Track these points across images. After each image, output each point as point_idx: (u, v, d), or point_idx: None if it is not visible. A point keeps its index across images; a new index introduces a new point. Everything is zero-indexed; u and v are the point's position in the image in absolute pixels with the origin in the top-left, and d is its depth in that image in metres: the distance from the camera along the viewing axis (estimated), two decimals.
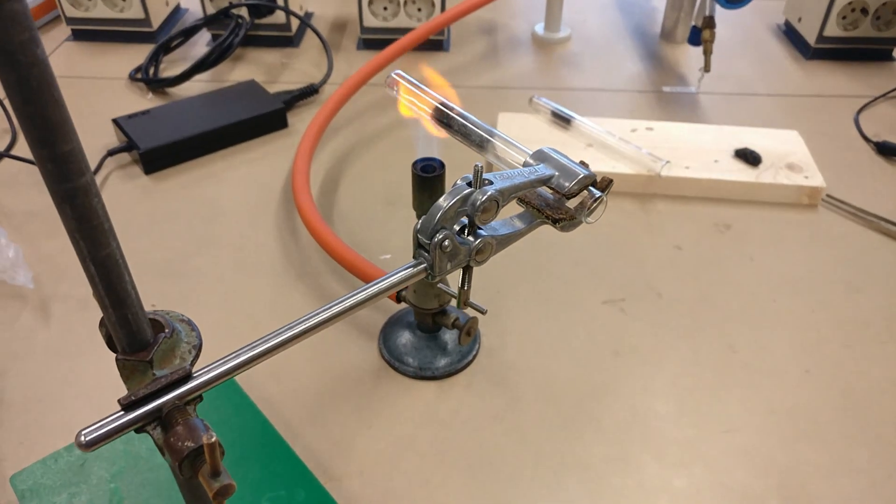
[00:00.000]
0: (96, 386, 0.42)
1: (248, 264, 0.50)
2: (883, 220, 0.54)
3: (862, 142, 0.63)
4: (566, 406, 0.41)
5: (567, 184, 0.28)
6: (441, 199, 0.25)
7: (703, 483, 0.37)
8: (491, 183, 0.26)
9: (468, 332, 0.40)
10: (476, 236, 0.27)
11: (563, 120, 0.60)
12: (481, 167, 0.26)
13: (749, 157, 0.57)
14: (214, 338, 0.45)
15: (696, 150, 0.58)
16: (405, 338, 0.44)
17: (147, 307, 0.24)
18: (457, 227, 0.27)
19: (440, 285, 0.33)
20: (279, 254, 0.51)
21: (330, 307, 0.25)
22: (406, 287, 0.41)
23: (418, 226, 0.26)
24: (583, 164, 0.29)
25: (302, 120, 0.63)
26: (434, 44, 0.75)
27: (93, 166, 0.57)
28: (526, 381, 0.42)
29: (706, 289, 0.49)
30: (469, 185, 0.26)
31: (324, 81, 0.67)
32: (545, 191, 0.30)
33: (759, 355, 0.44)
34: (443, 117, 0.33)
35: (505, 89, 0.69)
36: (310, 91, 0.65)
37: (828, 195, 0.56)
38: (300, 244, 0.51)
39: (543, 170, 0.28)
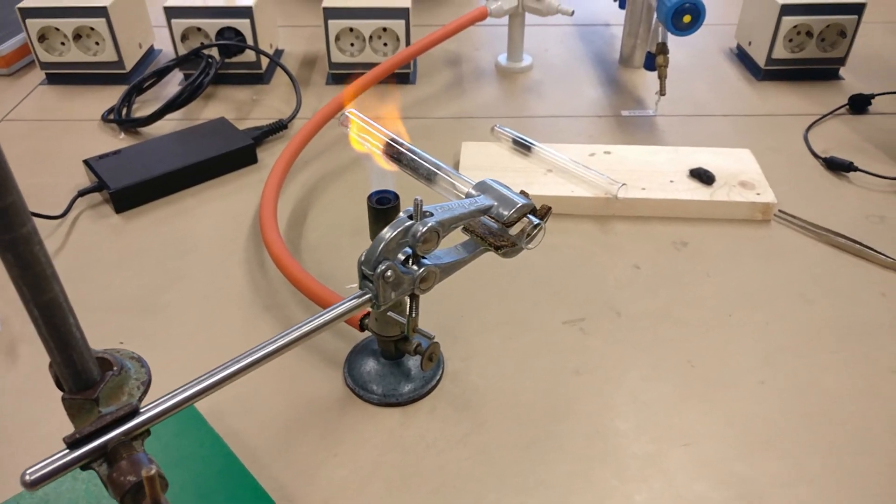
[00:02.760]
0: (62, 426, 0.42)
1: (217, 298, 0.51)
2: (833, 234, 0.56)
3: (812, 158, 0.65)
4: (529, 427, 0.42)
5: (506, 213, 0.29)
6: (382, 232, 0.27)
7: (662, 497, 0.38)
8: (432, 215, 0.28)
9: (430, 357, 0.42)
10: (420, 265, 0.28)
11: (523, 147, 0.62)
12: (421, 200, 0.27)
13: (703, 177, 0.59)
14: (181, 371, 0.46)
15: (652, 171, 0.60)
16: (369, 365, 0.45)
17: (115, 344, 0.25)
18: (402, 258, 0.28)
19: (390, 313, 0.34)
20: (247, 286, 0.52)
21: (274, 340, 0.26)
22: (368, 315, 0.42)
23: (362, 258, 0.27)
24: (523, 193, 0.31)
25: (271, 155, 0.65)
26: (400, 77, 0.77)
27: (63, 207, 0.58)
28: (489, 404, 0.43)
29: (664, 305, 0.50)
30: (411, 217, 0.27)
31: (292, 117, 0.69)
32: (489, 220, 0.31)
33: (717, 368, 0.46)
34: (393, 152, 0.35)
35: (469, 119, 0.71)
36: (279, 126, 0.67)
37: (780, 210, 0.58)
38: (268, 276, 0.52)
39: (483, 200, 0.29)
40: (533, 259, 0.54)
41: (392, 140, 0.34)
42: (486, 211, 0.29)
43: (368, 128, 0.35)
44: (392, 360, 0.45)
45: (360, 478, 0.39)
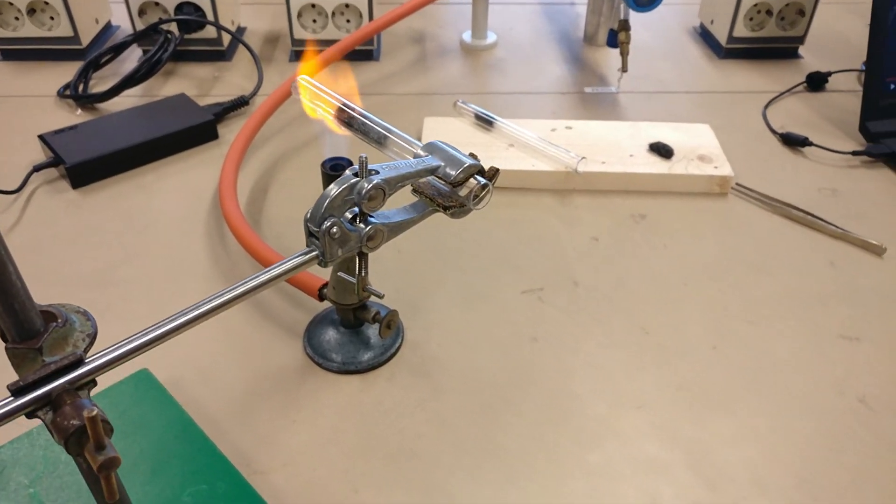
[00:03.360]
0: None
1: (177, 272, 0.50)
2: (787, 206, 0.57)
3: (769, 133, 0.67)
4: (486, 393, 0.43)
5: (453, 172, 0.29)
6: (328, 189, 0.27)
7: (614, 457, 0.39)
8: (378, 173, 0.28)
9: (388, 324, 0.42)
10: (367, 223, 0.28)
11: (486, 122, 0.62)
12: (365, 158, 0.27)
13: (662, 151, 0.59)
14: None
15: (612, 145, 0.60)
16: (329, 335, 0.45)
17: None
18: (349, 216, 0.29)
19: (340, 274, 0.34)
20: (208, 260, 0.51)
21: (221, 294, 0.26)
22: (326, 285, 0.42)
23: (308, 215, 0.27)
24: (472, 155, 0.31)
25: (233, 131, 0.64)
26: (364, 53, 0.76)
27: (18, 182, 0.57)
28: (447, 372, 0.44)
29: (621, 276, 0.51)
30: (356, 175, 0.28)
31: (254, 93, 0.68)
32: (438, 181, 0.31)
33: (671, 335, 0.47)
34: (344, 117, 0.35)
35: (432, 95, 0.71)
36: (240, 103, 0.66)
37: (737, 184, 0.59)
38: (228, 250, 0.52)
39: (430, 160, 0.29)
40: (494, 232, 0.54)
41: (343, 105, 0.34)
42: (433, 171, 0.29)
43: (321, 93, 0.35)
44: (351, 328, 0.45)
45: (319, 442, 0.39)
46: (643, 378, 0.44)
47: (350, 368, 0.43)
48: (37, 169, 0.58)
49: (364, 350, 0.44)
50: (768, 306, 0.49)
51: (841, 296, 0.50)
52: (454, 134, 0.62)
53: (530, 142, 0.59)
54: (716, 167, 0.59)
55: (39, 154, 0.61)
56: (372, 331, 0.45)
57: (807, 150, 0.65)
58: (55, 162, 0.58)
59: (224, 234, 0.53)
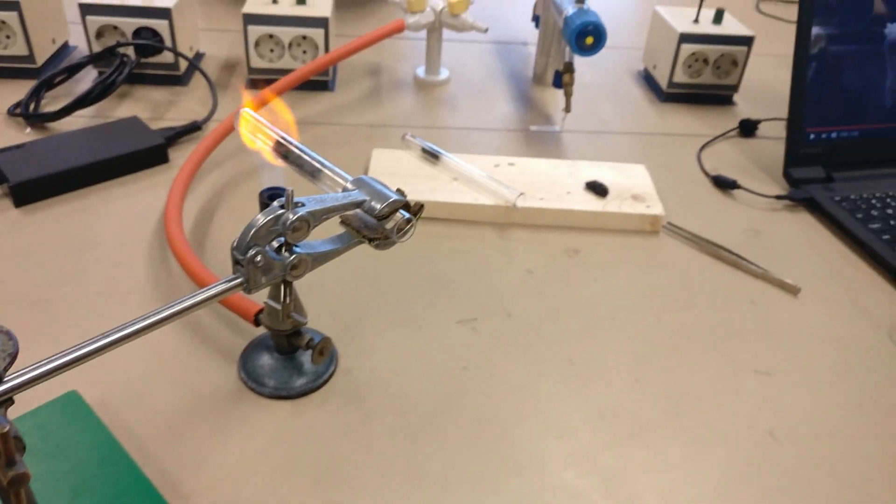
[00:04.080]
0: None
1: (116, 293, 0.51)
2: (714, 245, 0.60)
3: (702, 175, 0.70)
4: (415, 419, 0.44)
5: (378, 206, 0.31)
6: (254, 218, 0.28)
7: (533, 483, 0.41)
8: (303, 205, 0.29)
9: (321, 351, 0.43)
10: (291, 252, 0.30)
11: (432, 156, 0.64)
12: (292, 191, 0.29)
13: (598, 189, 0.62)
14: None
15: (551, 183, 0.63)
16: (264, 360, 0.46)
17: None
18: (276, 245, 0.30)
19: (268, 300, 0.35)
20: (149, 283, 0.52)
21: (145, 318, 0.27)
22: (262, 311, 0.43)
23: (234, 243, 0.28)
24: (399, 191, 0.33)
25: (184, 155, 0.65)
26: (319, 84, 0.78)
27: None
28: (378, 398, 0.45)
29: (553, 308, 0.53)
30: (283, 206, 0.29)
31: (207, 119, 0.69)
32: (366, 215, 0.33)
33: (595, 367, 0.49)
34: (282, 150, 0.36)
35: (383, 127, 0.73)
36: (193, 128, 0.67)
37: (669, 223, 0.62)
38: (171, 273, 0.53)
39: (357, 195, 0.31)
40: (434, 262, 0.56)
41: (281, 138, 0.36)
42: (358, 204, 0.31)
43: (261, 126, 0.37)
44: (286, 354, 0.46)
45: (247, 466, 0.40)
46: (566, 407, 0.46)
47: (282, 394, 0.44)
48: None
49: (297, 376, 0.45)
50: (689, 340, 0.51)
51: (757, 332, 0.53)
52: (401, 166, 0.64)
53: (473, 176, 0.62)
54: (648, 206, 0.62)
55: None
56: (306, 357, 0.46)
57: (736, 192, 0.68)
58: None
59: (167, 257, 0.54)
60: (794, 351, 0.51)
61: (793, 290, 0.56)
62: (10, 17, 0.71)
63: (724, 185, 0.69)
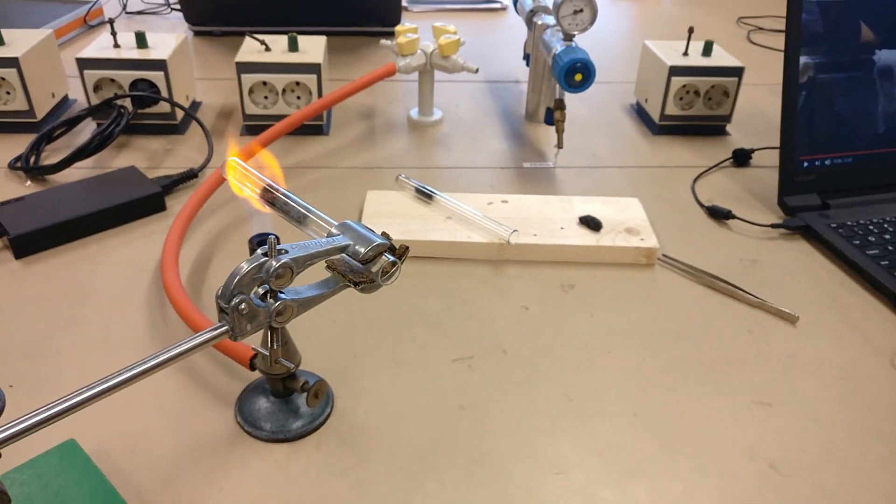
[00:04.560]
0: None
1: (114, 342, 0.51)
2: (710, 276, 0.60)
3: (696, 206, 0.71)
4: (411, 460, 0.44)
5: (362, 250, 0.31)
6: (237, 267, 0.29)
7: None
8: (286, 252, 0.30)
9: (315, 394, 0.43)
10: (276, 299, 0.30)
11: (425, 196, 0.65)
12: (275, 238, 0.29)
13: (591, 224, 0.63)
14: None
15: (544, 219, 0.64)
16: (260, 403, 0.46)
17: (4, 388, 0.26)
18: (261, 291, 0.30)
19: (255, 347, 0.35)
20: (146, 331, 0.52)
21: (130, 368, 0.27)
22: (256, 355, 0.43)
23: (219, 292, 0.29)
24: (384, 234, 0.34)
25: (181, 203, 0.66)
26: (314, 128, 0.80)
27: None
28: (375, 439, 0.45)
29: (548, 344, 0.53)
30: (266, 254, 0.30)
31: (203, 166, 0.70)
32: (351, 259, 0.33)
33: (593, 402, 0.48)
34: (269, 197, 0.37)
35: (377, 169, 0.74)
36: (189, 175, 0.68)
37: (663, 255, 0.62)
38: (168, 321, 0.53)
39: (341, 239, 0.32)
40: (429, 301, 0.56)
41: (268, 186, 0.36)
42: (342, 249, 0.31)
43: (248, 174, 0.38)
44: (281, 397, 0.46)
45: None
46: (564, 444, 0.45)
47: (279, 437, 0.44)
48: None
49: (294, 419, 0.45)
50: (687, 372, 0.51)
51: (756, 362, 0.52)
52: (395, 207, 0.65)
53: (467, 215, 0.62)
54: (642, 239, 0.62)
55: None
56: (302, 399, 0.46)
57: (730, 222, 0.69)
58: None
59: (164, 304, 0.54)
60: (794, 381, 0.51)
61: (791, 319, 0.56)
62: (10, 73, 0.73)
63: (719, 215, 0.69)
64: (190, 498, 0.40)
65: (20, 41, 0.75)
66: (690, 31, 0.82)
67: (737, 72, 0.81)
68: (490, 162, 0.77)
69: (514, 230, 0.60)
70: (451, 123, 0.85)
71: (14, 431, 0.25)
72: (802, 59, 0.67)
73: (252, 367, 0.45)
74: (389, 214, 0.63)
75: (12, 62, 0.72)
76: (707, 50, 0.82)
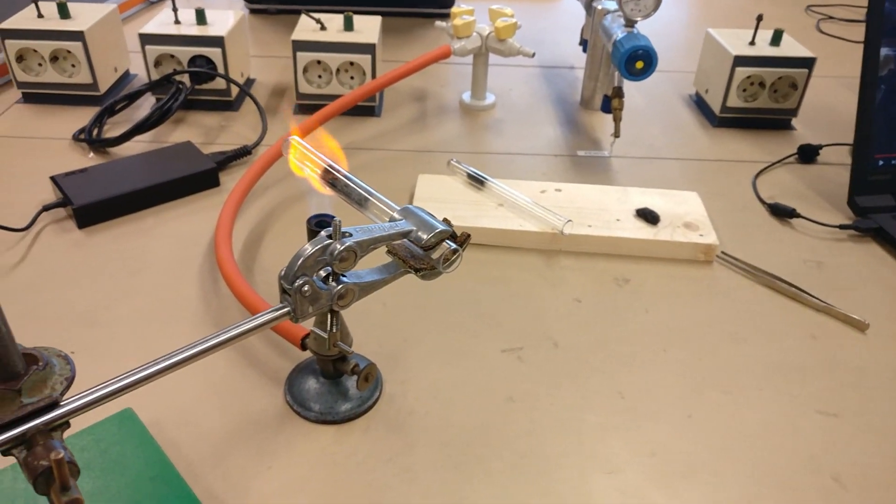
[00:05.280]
0: None
1: (168, 315, 0.52)
2: (771, 276, 0.58)
3: (758, 203, 0.68)
4: (457, 449, 0.43)
5: (424, 236, 0.31)
6: (302, 248, 0.28)
7: None
8: (351, 235, 0.29)
9: (366, 377, 0.43)
10: (338, 282, 0.30)
11: (477, 181, 0.64)
12: (339, 221, 0.29)
13: (648, 217, 0.61)
14: None
15: (599, 209, 0.62)
16: (310, 384, 0.46)
17: (67, 352, 0.26)
18: (323, 274, 0.30)
19: (315, 329, 0.35)
20: (199, 305, 0.53)
21: (193, 345, 0.27)
22: (309, 335, 0.43)
23: (282, 272, 0.28)
24: (446, 221, 0.33)
25: (234, 179, 0.67)
26: (366, 109, 0.79)
27: (28, 220, 0.59)
28: (422, 426, 0.44)
29: (601, 338, 0.52)
30: (330, 236, 0.29)
31: (257, 143, 0.71)
32: (412, 244, 0.33)
33: (645, 401, 0.47)
34: (329, 178, 0.36)
35: (428, 153, 0.74)
36: (243, 152, 0.69)
37: (722, 252, 0.60)
38: (220, 295, 0.54)
39: (403, 225, 0.31)
40: (479, 289, 0.56)
41: (329, 166, 0.36)
42: (405, 234, 0.31)
43: (309, 154, 0.37)
44: (331, 379, 0.46)
45: (290, 491, 0.40)
46: (615, 442, 0.44)
47: (327, 418, 0.44)
48: (46, 209, 0.60)
49: (342, 401, 0.45)
50: (745, 376, 0.49)
51: (820, 370, 0.50)
52: (446, 192, 0.64)
53: (519, 202, 0.61)
54: (701, 235, 0.60)
55: (50, 194, 0.63)
56: (351, 382, 0.46)
57: (794, 221, 0.66)
58: (64, 203, 0.60)
59: (217, 279, 0.55)
60: (863, 391, 0.48)
61: (860, 326, 0.54)
62: (76, 47, 0.74)
63: (782, 213, 0.66)
64: (239, 475, 0.41)
65: (85, 15, 0.77)
66: (759, 18, 0.78)
67: (807, 63, 0.77)
68: (543, 149, 0.76)
69: (569, 220, 0.59)
70: (503, 108, 0.84)
71: (83, 403, 0.25)
72: (883, 51, 0.64)
73: (304, 347, 0.45)
74: (440, 199, 0.63)
75: (78, 35, 0.74)
76: (776, 39, 0.79)
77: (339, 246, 0.28)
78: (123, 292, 0.54)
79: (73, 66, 0.76)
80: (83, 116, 0.75)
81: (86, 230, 0.60)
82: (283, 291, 0.29)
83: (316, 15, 0.77)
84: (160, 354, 0.49)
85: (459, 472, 0.42)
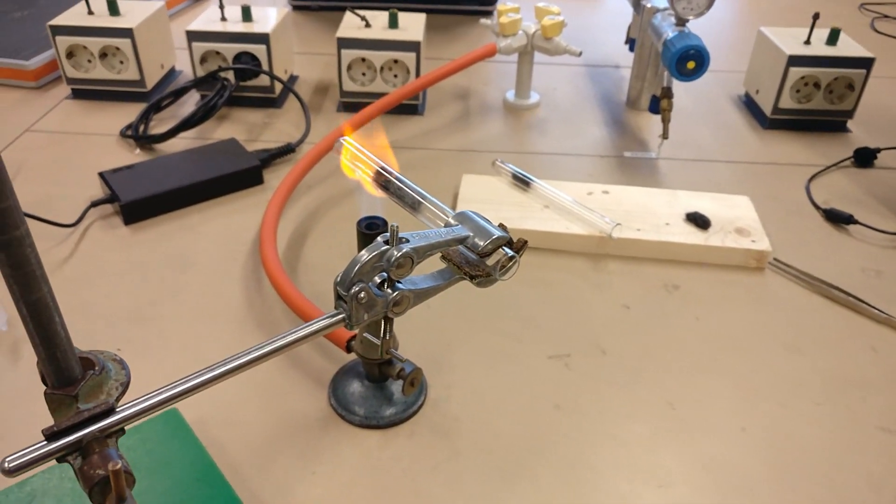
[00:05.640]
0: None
1: (211, 313, 0.52)
2: (827, 285, 0.56)
3: (812, 209, 0.66)
4: (504, 458, 0.42)
5: (481, 243, 0.30)
6: (358, 255, 0.28)
7: None
8: (408, 241, 0.29)
9: (412, 382, 0.42)
10: (394, 289, 0.29)
11: (522, 182, 0.63)
12: (397, 227, 0.28)
13: (699, 221, 0.59)
14: (168, 380, 0.47)
15: (648, 213, 0.60)
16: (354, 387, 0.45)
17: (113, 350, 0.26)
18: (378, 280, 0.29)
19: (366, 334, 0.35)
20: (242, 303, 0.53)
21: (247, 352, 0.27)
22: (354, 337, 0.43)
23: (338, 278, 0.28)
24: (501, 226, 0.32)
25: (278, 177, 0.67)
26: (409, 108, 0.79)
27: (76, 216, 0.60)
28: (467, 433, 0.44)
29: (650, 346, 0.50)
30: (387, 242, 0.29)
31: (301, 141, 0.71)
32: (467, 250, 0.32)
33: (697, 412, 0.46)
34: (382, 180, 0.36)
35: (472, 152, 0.73)
36: (287, 150, 0.69)
37: (775, 259, 0.58)
38: (263, 294, 0.54)
39: (460, 230, 0.30)
40: (524, 294, 0.55)
41: (381, 168, 0.35)
42: (461, 241, 0.30)
43: (361, 155, 0.37)
44: (376, 382, 0.45)
45: (335, 497, 0.40)
46: (666, 455, 0.43)
47: (372, 423, 0.44)
48: (94, 204, 0.61)
49: (387, 405, 0.44)
50: (801, 389, 0.47)
51: (882, 384, 0.48)
52: (491, 192, 0.63)
53: (566, 204, 0.60)
54: (753, 241, 0.58)
55: (98, 190, 0.64)
56: (396, 386, 0.45)
57: (851, 227, 0.63)
58: (111, 199, 0.61)
59: (261, 278, 0.55)
60: None
61: None
62: (124, 44, 0.75)
63: (838, 219, 0.64)
64: (283, 479, 0.41)
65: (135, 12, 0.78)
66: (815, 17, 0.75)
67: (866, 63, 0.74)
68: (588, 149, 0.74)
69: (618, 223, 0.57)
70: (548, 108, 0.83)
71: (138, 409, 0.25)
72: None
73: (349, 350, 0.44)
74: (485, 200, 0.62)
75: (127, 32, 0.75)
76: (833, 38, 0.76)
77: (396, 252, 0.28)
78: (168, 290, 0.54)
79: (122, 62, 0.77)
80: (130, 112, 0.76)
81: (132, 226, 0.60)
82: (339, 297, 0.28)
83: (361, 12, 0.77)
84: (204, 353, 0.50)
85: (506, 482, 0.41)
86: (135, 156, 0.70)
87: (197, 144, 0.70)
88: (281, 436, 0.43)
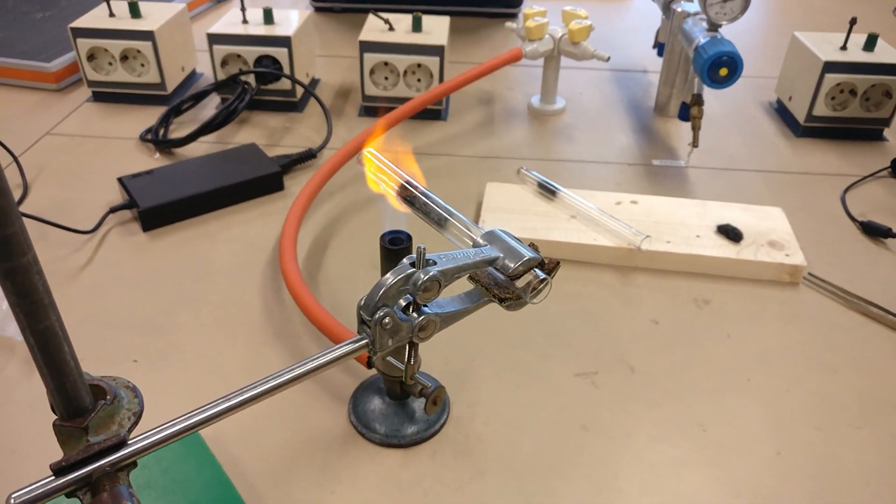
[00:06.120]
0: None
1: (230, 322, 0.51)
2: (864, 302, 0.54)
3: (847, 221, 0.64)
4: (528, 480, 0.41)
5: (512, 265, 0.29)
6: (383, 278, 0.26)
7: None
8: (435, 263, 0.27)
9: (434, 401, 0.41)
10: (420, 313, 0.28)
11: (548, 191, 0.61)
12: (423, 248, 0.27)
13: (731, 234, 0.57)
14: (185, 392, 0.46)
15: (678, 224, 0.59)
16: (374, 404, 0.44)
17: (128, 361, 0.25)
18: (403, 304, 0.28)
19: (389, 358, 0.33)
20: (261, 313, 0.52)
21: (266, 381, 0.26)
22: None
23: (361, 302, 0.27)
24: (532, 246, 0.31)
25: (298, 183, 0.66)
26: (432, 113, 0.77)
27: (95, 222, 0.59)
28: (491, 453, 0.42)
29: (680, 364, 0.49)
30: (413, 264, 0.27)
31: (322, 146, 0.70)
32: (495, 271, 0.31)
33: (730, 434, 0.44)
34: (407, 195, 0.35)
35: (496, 159, 0.71)
36: (308, 155, 0.68)
37: (809, 273, 0.56)
38: (282, 305, 0.53)
39: (489, 251, 0.29)
40: (549, 308, 0.53)
41: (407, 183, 0.34)
42: (491, 262, 0.29)
43: (385, 168, 0.36)
44: (397, 399, 0.44)
45: None
46: (697, 479, 0.41)
47: (393, 442, 0.42)
48: (112, 210, 0.60)
49: (408, 423, 0.43)
50: (839, 411, 0.46)
51: None
52: (515, 201, 0.61)
53: (593, 214, 0.58)
54: (787, 255, 0.56)
55: (117, 195, 0.64)
56: (418, 404, 0.44)
57: (890, 241, 0.61)
58: (130, 205, 0.60)
59: (280, 287, 0.54)
60: None
61: None
62: (145, 46, 0.75)
63: (876, 232, 0.61)
64: (301, 498, 0.39)
65: (155, 14, 0.77)
66: (852, 22, 0.73)
67: None
68: (616, 157, 0.72)
69: (647, 236, 0.55)
70: (574, 113, 0.81)
71: (151, 442, 0.24)
72: None
73: (370, 366, 0.43)
74: (509, 209, 0.60)
75: (148, 35, 0.74)
76: (870, 44, 0.74)
77: (423, 276, 0.26)
78: (186, 299, 0.53)
79: (143, 65, 0.77)
80: (150, 116, 0.76)
81: (150, 233, 0.60)
82: (362, 322, 0.27)
83: (385, 15, 0.76)
84: (221, 364, 0.49)
85: None
86: (154, 160, 0.69)
87: (217, 149, 0.69)
88: (299, 453, 0.42)
